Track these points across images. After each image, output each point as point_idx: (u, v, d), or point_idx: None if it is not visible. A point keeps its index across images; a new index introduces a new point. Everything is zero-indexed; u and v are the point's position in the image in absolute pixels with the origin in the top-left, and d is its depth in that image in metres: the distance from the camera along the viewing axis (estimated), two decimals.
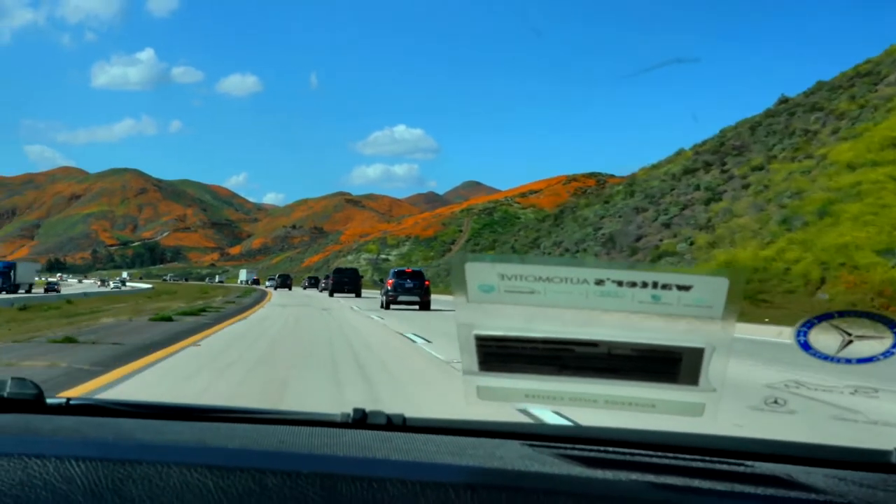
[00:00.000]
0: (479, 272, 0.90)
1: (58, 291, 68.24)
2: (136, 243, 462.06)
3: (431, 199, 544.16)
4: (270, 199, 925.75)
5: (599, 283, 0.88)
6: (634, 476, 1.09)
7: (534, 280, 0.89)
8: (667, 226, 52.11)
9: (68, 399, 1.53)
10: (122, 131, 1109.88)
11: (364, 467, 1.08)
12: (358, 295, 47.50)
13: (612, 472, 1.11)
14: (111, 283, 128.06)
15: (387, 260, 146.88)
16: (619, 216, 62.67)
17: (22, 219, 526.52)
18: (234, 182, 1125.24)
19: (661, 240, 49.97)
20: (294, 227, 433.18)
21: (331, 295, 48.10)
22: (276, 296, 50.16)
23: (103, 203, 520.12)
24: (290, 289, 76.90)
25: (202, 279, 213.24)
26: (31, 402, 1.46)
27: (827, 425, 5.50)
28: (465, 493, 0.98)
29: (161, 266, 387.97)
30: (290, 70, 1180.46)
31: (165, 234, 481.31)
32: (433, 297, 30.75)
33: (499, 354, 0.94)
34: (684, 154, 69.03)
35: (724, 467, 1.21)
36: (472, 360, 0.95)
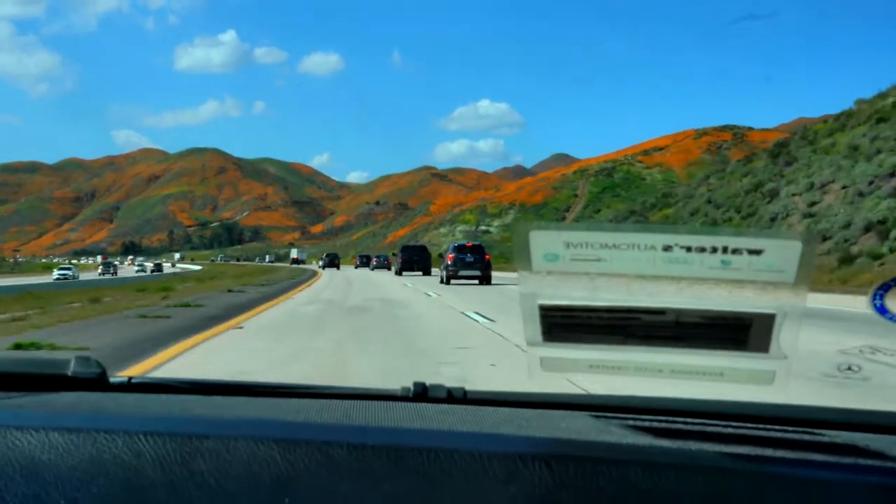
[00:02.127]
0: (543, 241, 0.87)
1: None
2: (214, 224, 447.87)
3: (519, 173, 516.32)
4: (354, 177, 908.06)
5: (667, 248, 0.85)
6: (704, 446, 1.07)
7: (600, 247, 0.86)
8: None
9: (130, 378, 1.52)
10: (207, 113, 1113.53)
11: (429, 439, 1.07)
12: (427, 273, 44.21)
13: (682, 442, 1.10)
14: (100, 267, 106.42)
15: (487, 232, 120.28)
16: None
17: (101, 201, 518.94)
18: (318, 161, 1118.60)
19: None
20: (378, 203, 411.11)
21: (398, 274, 44.58)
22: (319, 282, 37.73)
23: (182, 183, 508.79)
24: (338, 268, 76.39)
25: (264, 259, 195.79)
26: (95, 380, 1.47)
27: None
28: (532, 463, 0.97)
29: (238, 247, 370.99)
30: (372, 48, 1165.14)
31: (245, 213, 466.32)
32: None
33: (563, 324, 0.92)
34: None
35: (797, 436, 1.17)
36: (536, 331, 0.92)
